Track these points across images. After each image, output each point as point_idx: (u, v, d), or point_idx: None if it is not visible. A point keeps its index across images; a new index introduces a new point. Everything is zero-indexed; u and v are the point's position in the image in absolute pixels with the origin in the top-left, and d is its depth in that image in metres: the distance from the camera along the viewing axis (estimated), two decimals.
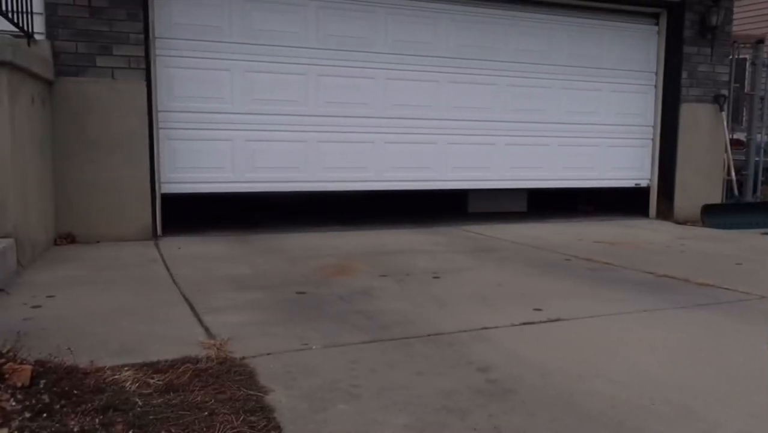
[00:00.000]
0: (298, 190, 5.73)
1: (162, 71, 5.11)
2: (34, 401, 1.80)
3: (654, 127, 6.97)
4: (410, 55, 5.92)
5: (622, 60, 6.78)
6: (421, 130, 6.04)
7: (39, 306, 3.00)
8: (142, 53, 4.89)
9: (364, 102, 5.82)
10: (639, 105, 6.92)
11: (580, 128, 6.67)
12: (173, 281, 3.61)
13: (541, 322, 2.85)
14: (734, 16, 7.06)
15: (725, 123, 6.95)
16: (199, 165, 5.35)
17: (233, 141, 5.49)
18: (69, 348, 2.24)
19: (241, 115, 5.44)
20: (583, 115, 6.68)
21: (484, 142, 6.31)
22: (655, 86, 6.94)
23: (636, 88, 6.88)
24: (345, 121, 5.78)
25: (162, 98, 5.13)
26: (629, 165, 6.96)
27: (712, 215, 6.58)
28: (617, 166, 6.89)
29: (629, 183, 7.01)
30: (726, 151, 7.05)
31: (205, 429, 1.74)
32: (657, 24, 6.89)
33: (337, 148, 5.77)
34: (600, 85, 6.71)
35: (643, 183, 7.05)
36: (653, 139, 6.98)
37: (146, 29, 4.92)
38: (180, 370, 2.11)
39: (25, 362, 2.00)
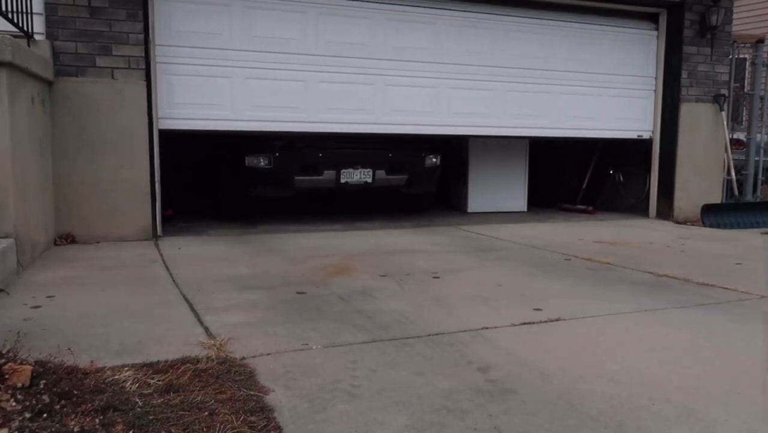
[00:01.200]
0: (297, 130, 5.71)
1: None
2: (34, 402, 1.80)
3: (654, 122, 6.98)
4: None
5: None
6: (422, 74, 6.07)
7: (39, 306, 3.00)
8: (142, 53, 4.89)
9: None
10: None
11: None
12: (173, 281, 3.61)
13: (541, 322, 2.85)
14: (734, 16, 7.06)
15: (725, 123, 6.96)
16: None
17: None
18: (69, 348, 2.24)
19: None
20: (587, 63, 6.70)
21: (485, 88, 6.30)
22: (655, 87, 6.95)
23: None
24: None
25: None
26: (632, 117, 6.95)
27: (712, 215, 6.58)
28: (620, 116, 6.89)
29: (632, 134, 7.01)
30: (726, 150, 7.05)
31: (205, 429, 1.74)
32: (657, 23, 6.89)
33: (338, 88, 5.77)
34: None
35: (645, 135, 7.03)
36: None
37: (146, 29, 4.91)
38: (180, 370, 2.11)
39: (25, 362, 2.00)
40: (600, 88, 6.75)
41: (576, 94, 6.65)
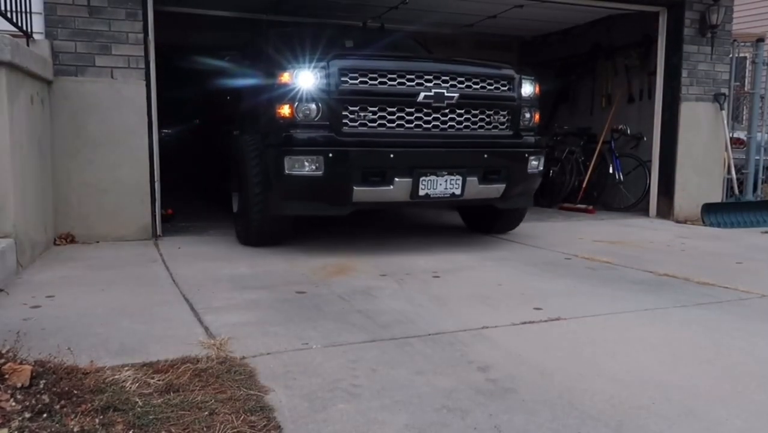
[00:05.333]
0: None
1: None
2: (33, 402, 1.80)
3: (654, 126, 6.98)
4: None
5: None
6: None
7: (39, 306, 3.00)
8: (142, 53, 4.88)
9: None
10: None
11: None
12: (173, 280, 3.61)
13: (541, 321, 2.85)
14: (734, 15, 7.05)
15: (725, 122, 6.95)
16: None
17: None
18: (69, 348, 2.24)
19: None
20: None
21: None
22: (656, 85, 6.95)
23: None
24: None
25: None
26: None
27: (713, 214, 6.57)
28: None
29: None
30: (726, 149, 7.04)
31: (205, 429, 1.74)
32: (657, 22, 6.88)
33: None
34: None
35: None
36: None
37: (145, 29, 4.91)
38: (180, 370, 2.11)
39: (24, 362, 2.00)
40: None
41: None
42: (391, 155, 4.14)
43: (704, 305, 3.19)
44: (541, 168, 4.80)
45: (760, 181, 7.55)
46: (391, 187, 4.17)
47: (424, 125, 4.27)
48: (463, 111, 4.35)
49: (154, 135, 5.03)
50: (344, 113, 4.08)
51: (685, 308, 3.12)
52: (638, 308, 3.11)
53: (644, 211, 7.09)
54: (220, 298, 3.21)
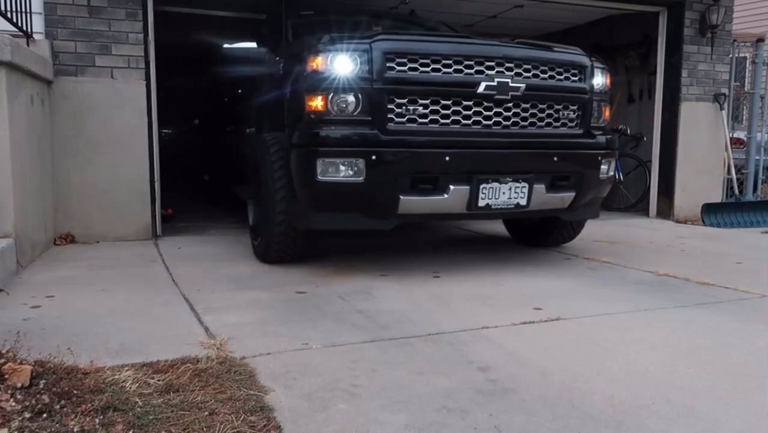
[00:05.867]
0: None
1: None
2: (33, 402, 1.80)
3: (654, 126, 6.98)
4: None
5: None
6: None
7: (38, 306, 3.00)
8: (142, 53, 4.88)
9: None
10: None
11: None
12: (173, 280, 3.61)
13: (541, 321, 2.85)
14: (734, 15, 7.05)
15: (725, 122, 6.95)
16: None
17: None
18: (69, 348, 2.24)
19: None
20: None
21: None
22: (656, 85, 6.95)
23: None
24: None
25: None
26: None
27: (713, 214, 6.57)
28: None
29: None
30: (726, 149, 7.05)
31: (205, 429, 1.74)
32: (657, 22, 6.89)
33: None
34: None
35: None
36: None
37: (145, 29, 4.91)
38: (180, 370, 2.11)
39: (24, 362, 2.00)
40: None
41: None
42: (447, 158, 3.47)
43: (704, 305, 3.19)
44: (612, 173, 4.14)
45: (760, 181, 7.56)
46: (445, 196, 3.53)
47: (484, 122, 3.62)
48: (528, 105, 3.72)
49: (154, 135, 5.03)
50: (390, 107, 3.44)
51: (685, 308, 3.12)
52: (638, 308, 3.11)
53: (644, 212, 7.09)
54: (220, 298, 3.21)
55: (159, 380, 2.03)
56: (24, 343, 2.21)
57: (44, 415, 1.75)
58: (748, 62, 8.10)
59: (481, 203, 3.61)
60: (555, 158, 3.79)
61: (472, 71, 3.56)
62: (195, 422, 1.77)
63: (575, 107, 3.93)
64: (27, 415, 1.73)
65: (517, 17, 7.49)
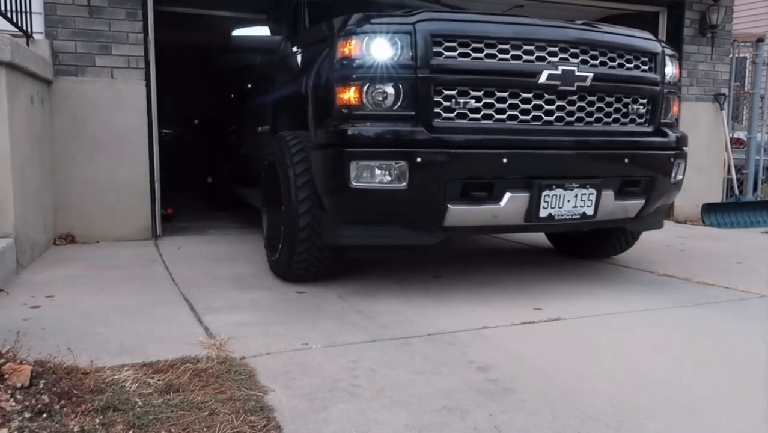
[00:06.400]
0: None
1: None
2: (33, 401, 1.80)
3: None
4: None
5: None
6: None
7: (38, 306, 3.00)
8: (142, 53, 4.88)
9: None
10: None
11: None
12: (173, 280, 3.61)
13: (541, 321, 2.85)
14: (734, 15, 7.06)
15: (725, 122, 6.95)
16: None
17: None
18: (69, 348, 2.24)
19: None
20: None
21: None
22: None
23: None
24: None
25: None
26: None
27: (713, 214, 6.57)
28: None
29: None
30: (726, 149, 7.05)
31: (205, 429, 1.74)
32: (656, 22, 6.88)
33: None
34: None
35: None
36: None
37: (145, 29, 4.91)
38: (180, 370, 2.11)
39: (24, 362, 2.00)
40: None
41: None
42: (504, 160, 3.00)
43: (704, 305, 3.19)
44: (681, 177, 3.66)
45: (760, 182, 7.56)
46: (501, 205, 3.05)
47: (545, 117, 3.16)
48: (595, 98, 3.27)
49: (154, 135, 5.03)
50: (437, 99, 2.98)
51: (685, 308, 3.12)
52: (638, 308, 3.11)
53: None
54: (220, 298, 3.21)
55: (159, 380, 2.03)
56: (24, 343, 2.21)
57: (44, 415, 1.75)
58: (748, 62, 8.10)
59: (543, 213, 3.12)
60: (626, 160, 3.32)
61: (532, 58, 3.08)
62: (195, 422, 1.77)
63: (645, 101, 3.47)
64: (27, 415, 1.73)
65: None
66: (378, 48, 2.92)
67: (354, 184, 2.92)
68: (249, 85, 5.05)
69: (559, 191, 3.15)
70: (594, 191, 3.23)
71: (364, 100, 2.93)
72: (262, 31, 4.26)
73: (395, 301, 3.17)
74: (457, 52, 3.00)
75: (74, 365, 2.09)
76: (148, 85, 4.93)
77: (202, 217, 6.32)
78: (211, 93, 6.72)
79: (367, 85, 2.93)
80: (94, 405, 1.82)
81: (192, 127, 7.80)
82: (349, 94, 2.95)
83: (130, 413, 1.80)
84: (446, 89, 3.00)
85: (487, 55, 3.04)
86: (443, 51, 2.98)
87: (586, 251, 4.34)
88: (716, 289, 3.53)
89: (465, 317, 2.88)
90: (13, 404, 1.78)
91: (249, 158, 4.67)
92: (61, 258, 4.20)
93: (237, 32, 4.10)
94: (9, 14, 3.95)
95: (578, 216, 3.22)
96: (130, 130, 4.86)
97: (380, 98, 2.94)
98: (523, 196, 3.09)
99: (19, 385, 1.87)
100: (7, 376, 1.89)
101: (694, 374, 2.25)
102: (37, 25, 4.59)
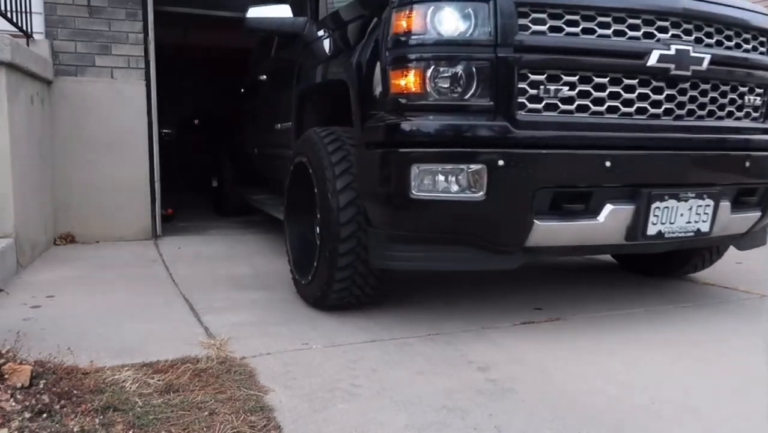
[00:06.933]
0: None
1: None
2: (33, 402, 1.80)
3: None
4: None
5: None
6: None
7: (38, 306, 3.00)
8: (142, 53, 4.88)
9: None
10: None
11: None
12: (173, 280, 3.61)
13: (541, 321, 2.85)
14: None
15: None
16: None
17: None
18: (69, 348, 2.24)
19: None
20: None
21: None
22: None
23: None
24: None
25: None
26: None
27: None
28: None
29: None
30: None
31: (205, 429, 1.74)
32: None
33: None
34: None
35: None
36: None
37: (145, 29, 4.91)
38: (180, 370, 2.11)
39: (24, 362, 2.00)
40: None
41: None
42: (607, 163, 2.44)
43: (705, 305, 3.19)
44: None
45: None
46: (599, 220, 2.47)
47: (651, 109, 2.56)
48: (709, 86, 2.69)
49: (154, 135, 5.03)
50: (521, 86, 2.37)
51: (685, 308, 3.12)
52: (639, 308, 3.11)
53: None
54: (220, 298, 3.21)
55: (159, 380, 2.03)
56: (24, 343, 2.21)
57: (44, 415, 1.75)
58: None
59: (651, 230, 2.54)
60: (747, 164, 2.75)
61: (638, 34, 2.50)
62: (195, 422, 1.77)
63: (762, 91, 2.89)
64: (27, 415, 1.74)
65: None
66: (447, 20, 2.34)
67: (415, 194, 2.34)
68: (263, 77, 4.50)
69: (672, 203, 2.56)
70: (711, 202, 2.65)
71: (428, 87, 2.34)
72: (282, 10, 3.64)
73: (395, 300, 3.17)
74: (548, 25, 2.40)
75: (74, 365, 2.09)
76: (148, 85, 4.93)
77: (202, 217, 6.31)
78: (217, 89, 6.53)
79: (432, 67, 2.33)
80: (94, 405, 1.82)
81: (194, 127, 7.70)
82: (407, 80, 2.36)
83: (130, 413, 1.80)
84: (533, 73, 2.39)
85: (585, 30, 2.43)
86: (530, 24, 2.37)
87: (661, 268, 3.72)
88: (716, 289, 3.53)
89: (465, 317, 2.88)
90: (13, 404, 1.78)
91: (264, 160, 4.22)
92: (61, 258, 4.20)
93: (252, 13, 3.58)
94: (9, 14, 3.96)
95: (692, 233, 2.65)
96: (130, 130, 4.86)
97: (449, 84, 2.35)
98: (628, 210, 2.50)
99: (19, 385, 1.87)
100: (7, 376, 1.89)
101: (695, 374, 2.25)
102: (37, 25, 4.59)
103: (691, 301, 3.25)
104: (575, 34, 2.42)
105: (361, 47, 2.68)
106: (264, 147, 4.17)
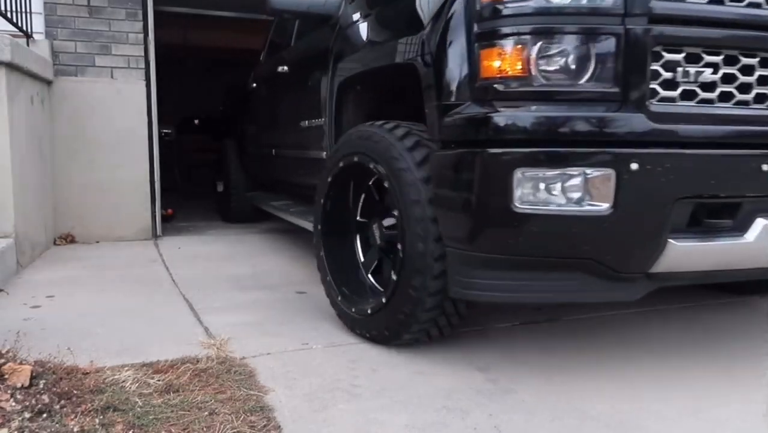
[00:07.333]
0: None
1: None
2: (33, 402, 1.80)
3: None
4: None
5: None
6: None
7: (38, 306, 3.00)
8: (142, 53, 4.88)
9: None
10: None
11: None
12: (173, 280, 3.61)
13: (541, 321, 2.85)
14: None
15: None
16: None
17: None
18: (69, 348, 2.24)
19: None
20: None
21: None
22: None
23: None
24: None
25: None
26: None
27: None
28: None
29: None
30: None
31: (205, 429, 1.74)
32: None
33: None
34: None
35: None
36: None
37: (145, 29, 4.91)
38: (180, 370, 2.11)
39: (24, 362, 2.00)
40: None
41: None
42: (764, 167, 1.95)
43: (705, 305, 3.19)
44: None
45: None
46: (747, 238, 1.96)
47: None
48: None
49: (154, 135, 5.04)
50: (654, 67, 1.88)
51: (686, 308, 3.12)
52: (639, 307, 3.11)
53: None
54: (220, 298, 3.21)
55: (159, 380, 2.03)
56: (24, 343, 2.21)
57: (44, 415, 1.75)
58: None
59: None
60: None
61: None
62: (195, 422, 1.77)
63: None
64: (27, 415, 1.73)
65: None
66: None
67: (518, 206, 1.85)
68: (282, 68, 3.91)
69: None
70: None
71: (532, 69, 1.84)
72: None
73: None
74: None
75: (74, 365, 2.09)
76: (148, 85, 4.93)
77: (202, 217, 6.31)
78: (218, 88, 6.41)
79: (539, 43, 1.83)
80: (94, 405, 1.82)
81: (196, 127, 7.61)
82: (504, 60, 1.87)
83: (130, 413, 1.80)
84: (668, 51, 1.88)
85: None
86: None
87: (760, 287, 3.24)
88: (716, 289, 3.53)
89: (465, 317, 2.88)
90: (13, 404, 1.78)
91: (284, 162, 3.75)
92: (61, 258, 4.20)
93: None
94: (9, 14, 3.96)
95: None
96: (130, 130, 4.86)
97: (561, 65, 1.85)
98: None
99: (19, 385, 1.87)
100: (7, 376, 1.89)
101: (694, 374, 2.25)
102: (37, 25, 4.59)
103: (691, 300, 3.25)
104: (720, 2, 1.93)
105: (434, 23, 2.13)
106: (284, 148, 3.69)
